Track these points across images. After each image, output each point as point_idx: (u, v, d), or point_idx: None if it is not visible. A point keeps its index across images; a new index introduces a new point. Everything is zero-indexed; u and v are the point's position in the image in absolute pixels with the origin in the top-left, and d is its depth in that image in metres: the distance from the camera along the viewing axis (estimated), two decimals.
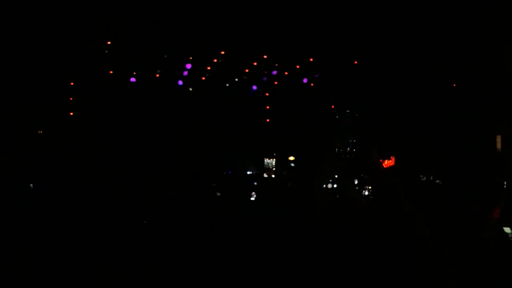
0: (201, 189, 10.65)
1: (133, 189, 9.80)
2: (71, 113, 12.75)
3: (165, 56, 12.15)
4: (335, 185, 10.06)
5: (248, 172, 12.82)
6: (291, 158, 13.52)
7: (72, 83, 12.55)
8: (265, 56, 11.98)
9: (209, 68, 13.25)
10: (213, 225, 8.00)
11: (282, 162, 12.96)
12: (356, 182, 9.10)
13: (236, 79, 14.52)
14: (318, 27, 11.94)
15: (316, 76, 14.11)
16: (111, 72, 12.78)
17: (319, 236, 7.33)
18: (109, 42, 12.59)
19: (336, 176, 9.00)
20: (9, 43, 11.11)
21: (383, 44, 11.80)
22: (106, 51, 12.29)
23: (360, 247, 6.73)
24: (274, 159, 13.23)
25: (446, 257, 6.16)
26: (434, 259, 6.15)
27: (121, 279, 5.62)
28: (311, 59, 12.33)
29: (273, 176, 12.85)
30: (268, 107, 14.86)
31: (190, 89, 13.81)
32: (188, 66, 13.10)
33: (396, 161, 12.18)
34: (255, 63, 13.07)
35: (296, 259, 6.40)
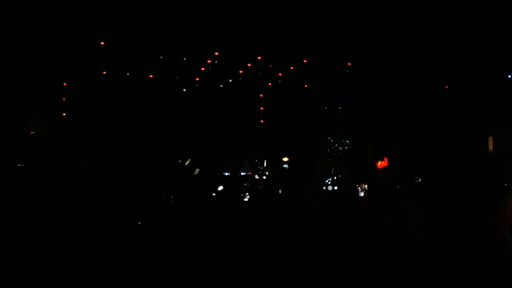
0: (196, 189, 10.65)
1: (129, 189, 9.77)
2: (64, 114, 12.68)
3: (161, 57, 12.12)
4: (328, 182, 10.08)
5: (242, 173, 12.81)
6: (285, 159, 13.54)
7: (64, 84, 12.48)
8: (259, 57, 12.00)
9: (203, 69, 13.25)
10: (208, 223, 8.02)
11: (275, 163, 12.97)
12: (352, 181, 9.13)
13: (230, 80, 14.52)
14: (311, 28, 11.99)
15: (310, 77, 14.17)
16: (104, 72, 12.72)
17: (314, 233, 7.37)
18: (102, 43, 12.53)
19: (333, 176, 9.02)
20: (2, 44, 11.04)
21: (376, 45, 11.88)
22: (100, 52, 12.23)
23: (356, 243, 6.77)
24: (267, 160, 13.24)
25: (440, 254, 6.22)
26: (427, 255, 6.20)
27: (120, 277, 5.61)
28: (305, 60, 12.38)
29: (265, 177, 12.86)
30: (262, 108, 14.87)
31: (184, 90, 13.78)
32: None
33: (389, 162, 12.25)
34: (249, 64, 13.09)
35: (293, 255, 6.43)
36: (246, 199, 8.45)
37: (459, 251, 6.42)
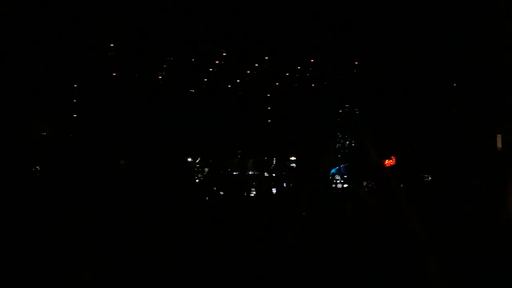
0: (204, 188, 10.71)
1: (134, 190, 9.85)
2: (74, 115, 12.85)
3: (169, 58, 12.23)
4: (337, 180, 10.06)
5: (250, 172, 12.87)
6: (292, 158, 13.58)
7: (75, 85, 12.64)
8: (266, 58, 12.06)
9: (211, 69, 13.33)
10: (214, 224, 8.06)
11: (283, 162, 13.03)
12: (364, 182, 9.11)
13: (238, 80, 14.59)
14: (318, 28, 12.00)
15: (317, 77, 14.19)
16: (114, 74, 12.85)
17: (321, 236, 7.39)
18: (112, 45, 12.66)
19: (342, 174, 9.02)
20: (12, 46, 11.20)
21: (383, 44, 11.87)
22: (109, 54, 12.37)
23: (360, 246, 6.79)
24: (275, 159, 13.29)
25: (442, 257, 6.21)
26: (429, 259, 6.19)
27: (119, 279, 5.68)
28: (312, 60, 12.42)
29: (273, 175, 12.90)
30: (269, 107, 14.92)
31: (192, 91, 13.88)
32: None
33: (396, 161, 12.23)
34: (256, 65, 13.15)
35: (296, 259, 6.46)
36: (252, 194, 8.47)
37: (464, 251, 6.41)
